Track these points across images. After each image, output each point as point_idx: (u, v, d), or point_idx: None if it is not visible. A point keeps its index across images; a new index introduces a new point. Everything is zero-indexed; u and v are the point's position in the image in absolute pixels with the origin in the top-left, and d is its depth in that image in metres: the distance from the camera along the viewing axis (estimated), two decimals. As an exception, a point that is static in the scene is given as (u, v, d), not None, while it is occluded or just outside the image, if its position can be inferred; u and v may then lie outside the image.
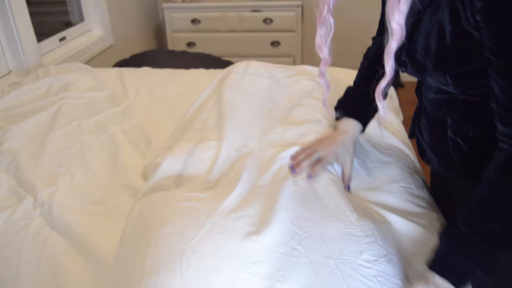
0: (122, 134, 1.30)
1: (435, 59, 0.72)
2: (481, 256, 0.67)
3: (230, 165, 1.00)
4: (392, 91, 1.57)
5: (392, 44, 0.73)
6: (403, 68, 0.80)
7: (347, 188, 0.93)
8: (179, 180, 1.01)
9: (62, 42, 2.27)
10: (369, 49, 1.05)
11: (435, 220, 0.90)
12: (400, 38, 0.72)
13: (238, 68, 1.36)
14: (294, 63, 3.22)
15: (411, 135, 1.00)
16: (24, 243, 0.90)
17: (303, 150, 0.94)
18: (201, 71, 1.84)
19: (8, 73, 1.85)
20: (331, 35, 0.86)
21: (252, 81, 1.29)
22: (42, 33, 2.07)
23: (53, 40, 2.20)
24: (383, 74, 0.79)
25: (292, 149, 0.96)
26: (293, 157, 0.94)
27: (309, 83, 1.32)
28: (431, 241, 0.82)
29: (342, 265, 0.71)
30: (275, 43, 3.19)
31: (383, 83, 0.79)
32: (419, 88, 0.88)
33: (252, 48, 3.21)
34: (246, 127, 1.11)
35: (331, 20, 0.85)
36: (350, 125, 0.97)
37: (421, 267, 0.75)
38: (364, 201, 0.92)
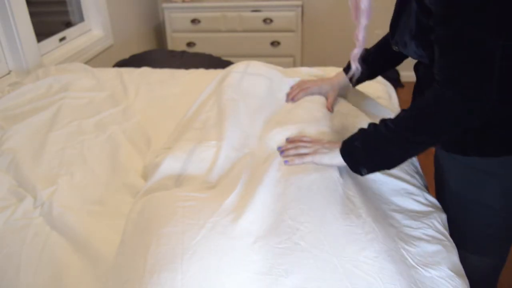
0: (122, 134, 1.30)
1: (410, 34, 0.87)
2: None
3: (230, 165, 1.00)
4: (392, 91, 1.58)
5: (362, 20, 0.93)
6: (396, 47, 0.95)
7: (331, 109, 1.17)
8: (179, 180, 1.01)
9: (62, 42, 2.27)
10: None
11: (434, 218, 0.91)
12: (367, 16, 0.92)
13: (238, 68, 1.35)
14: (294, 63, 3.22)
15: None
16: (24, 243, 0.90)
17: (298, 85, 1.23)
18: (201, 71, 1.84)
19: (8, 73, 1.85)
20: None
21: (252, 81, 1.29)
22: (42, 33, 2.07)
23: (53, 40, 2.20)
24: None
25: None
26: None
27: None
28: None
29: (344, 262, 0.71)
30: (275, 43, 3.19)
31: (355, 50, 1.00)
32: (417, 65, 1.02)
33: (252, 48, 3.21)
34: (246, 127, 1.11)
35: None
36: (340, 74, 1.22)
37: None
38: (365, 197, 0.93)
